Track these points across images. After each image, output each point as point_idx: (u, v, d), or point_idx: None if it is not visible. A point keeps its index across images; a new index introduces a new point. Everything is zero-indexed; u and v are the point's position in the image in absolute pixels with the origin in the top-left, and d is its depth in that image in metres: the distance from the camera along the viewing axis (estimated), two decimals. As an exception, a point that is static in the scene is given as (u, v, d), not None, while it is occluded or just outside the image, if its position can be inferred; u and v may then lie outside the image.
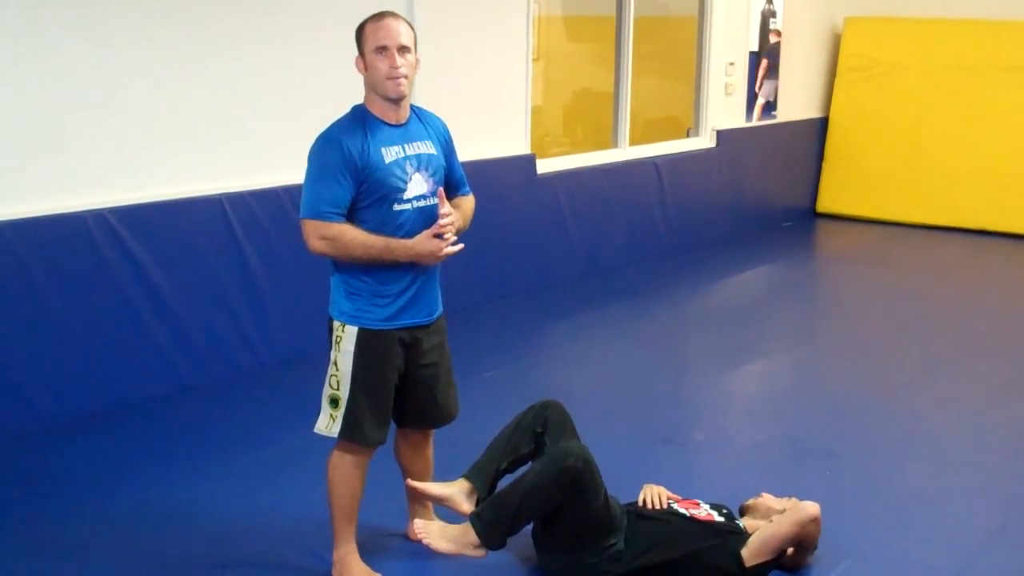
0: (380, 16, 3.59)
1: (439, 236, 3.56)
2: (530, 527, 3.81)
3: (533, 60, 7.84)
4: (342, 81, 6.07)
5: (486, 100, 7.34)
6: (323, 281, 5.90)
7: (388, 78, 3.53)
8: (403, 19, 3.61)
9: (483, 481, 3.81)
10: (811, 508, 3.80)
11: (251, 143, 5.94)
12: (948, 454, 5.13)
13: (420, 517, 4.04)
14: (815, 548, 3.91)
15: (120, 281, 5.35)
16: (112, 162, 5.36)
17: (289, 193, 6.02)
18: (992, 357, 6.68)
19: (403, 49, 3.54)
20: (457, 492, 3.78)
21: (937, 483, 4.78)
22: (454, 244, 3.60)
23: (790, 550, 3.84)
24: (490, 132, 7.36)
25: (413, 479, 4.00)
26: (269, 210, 5.98)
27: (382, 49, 3.53)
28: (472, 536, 3.64)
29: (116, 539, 4.09)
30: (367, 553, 3.84)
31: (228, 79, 5.79)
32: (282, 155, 6.05)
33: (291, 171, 5.99)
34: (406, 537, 4.09)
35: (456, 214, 3.65)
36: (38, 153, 5.08)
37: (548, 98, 9.30)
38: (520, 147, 7.76)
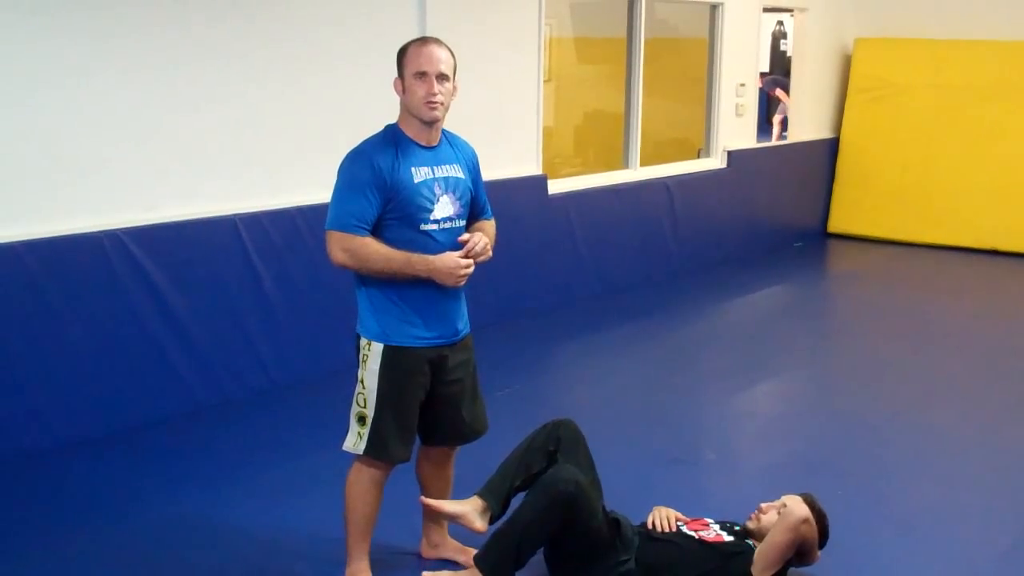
0: (424, 41, 3.65)
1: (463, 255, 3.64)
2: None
3: (544, 81, 7.87)
4: (357, 104, 6.15)
5: (498, 121, 7.37)
6: (336, 302, 5.96)
7: (424, 103, 3.59)
8: (445, 46, 3.66)
9: (497, 499, 3.83)
10: (799, 510, 3.75)
11: (265, 165, 5.98)
12: (960, 473, 5.13)
13: (434, 535, 4.08)
14: (822, 544, 3.89)
15: (134, 301, 5.39)
16: (127, 183, 5.40)
17: (303, 214, 6.06)
18: (1003, 376, 6.68)
19: (442, 77, 3.60)
20: (471, 510, 3.80)
21: (949, 502, 4.78)
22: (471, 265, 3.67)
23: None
24: (502, 153, 7.39)
25: (431, 497, 4.04)
26: (283, 231, 6.01)
27: (421, 75, 3.58)
28: None
29: (129, 557, 4.11)
30: (379, 571, 3.85)
31: (242, 102, 5.83)
32: (295, 177, 6.09)
33: (304, 192, 6.08)
34: (418, 556, 4.10)
35: (485, 238, 3.71)
36: (54, 174, 5.12)
37: (559, 119, 9.35)
38: (531, 168, 7.79)
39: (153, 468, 4.98)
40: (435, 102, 3.59)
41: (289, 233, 6.04)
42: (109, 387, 5.32)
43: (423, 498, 3.93)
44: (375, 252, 3.56)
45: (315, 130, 6.13)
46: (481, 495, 3.89)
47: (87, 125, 5.21)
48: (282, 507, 4.55)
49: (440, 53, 3.62)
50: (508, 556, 3.63)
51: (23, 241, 4.99)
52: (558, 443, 3.95)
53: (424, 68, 3.58)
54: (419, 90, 3.58)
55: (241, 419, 5.62)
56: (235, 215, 5.82)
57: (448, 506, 3.87)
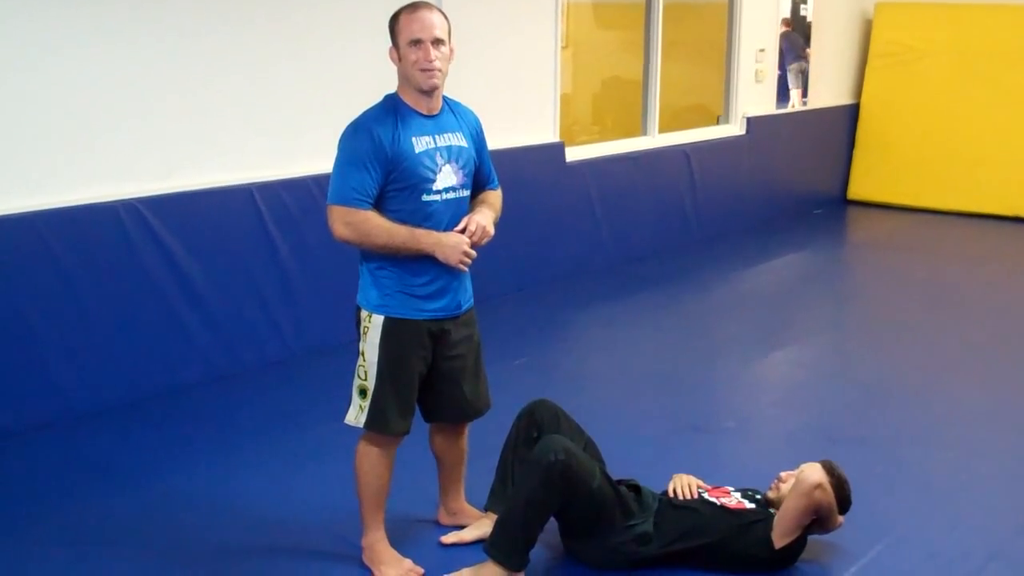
0: (414, 7, 3.58)
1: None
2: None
3: (562, 48, 7.82)
4: (370, 70, 6.09)
5: (515, 88, 7.33)
6: (352, 270, 5.94)
7: (421, 70, 3.53)
8: (437, 9, 3.60)
9: (505, 505, 3.82)
10: (811, 476, 3.72)
11: (280, 133, 5.97)
12: (980, 441, 5.10)
13: (451, 502, 4.10)
14: (844, 510, 3.87)
15: (151, 270, 5.39)
16: (143, 152, 5.39)
17: (318, 182, 6.03)
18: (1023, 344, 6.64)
19: (437, 42, 3.54)
20: (489, 529, 3.78)
21: (969, 470, 4.76)
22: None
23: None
24: (519, 120, 7.36)
25: (446, 470, 4.07)
26: (298, 199, 6.00)
27: (416, 42, 3.52)
28: (499, 568, 3.63)
29: (148, 526, 4.12)
30: (396, 539, 3.86)
31: (257, 69, 5.81)
32: (311, 144, 6.07)
33: (320, 160, 6.04)
34: (436, 523, 4.11)
35: (482, 221, 3.65)
36: (69, 144, 5.11)
37: (577, 86, 9.29)
38: (549, 135, 7.75)
39: (170, 438, 4.99)
40: (432, 69, 3.52)
41: (305, 202, 6.02)
42: (126, 356, 5.33)
43: (442, 539, 3.97)
44: (377, 226, 3.52)
45: (330, 98, 6.10)
46: (490, 508, 3.97)
47: (102, 94, 5.19)
48: (300, 476, 4.56)
49: (432, 17, 3.55)
50: (517, 540, 3.61)
51: (39, 211, 4.98)
52: (540, 427, 3.94)
53: (417, 35, 3.51)
54: (414, 58, 3.51)
55: (258, 388, 5.62)
56: (251, 184, 5.80)
57: (468, 535, 3.95)
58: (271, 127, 5.92)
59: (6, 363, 4.91)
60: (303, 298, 6.07)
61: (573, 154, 7.95)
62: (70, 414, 5.10)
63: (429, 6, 3.59)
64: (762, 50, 9.77)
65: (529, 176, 7.21)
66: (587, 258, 8.07)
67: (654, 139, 8.83)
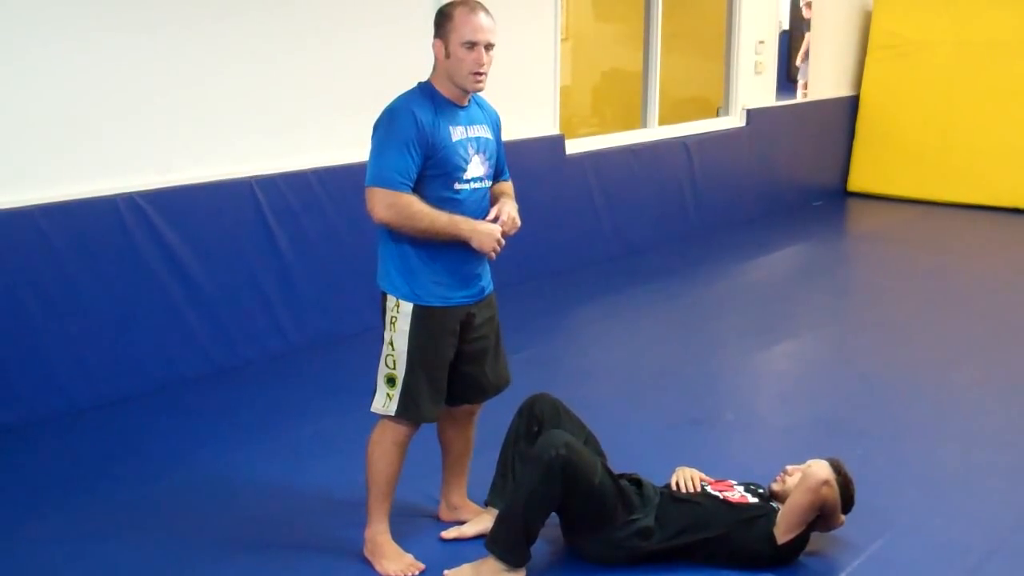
0: (472, 8, 3.59)
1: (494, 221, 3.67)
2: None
3: (562, 40, 7.80)
4: (373, 65, 6.10)
5: (515, 81, 7.30)
6: (353, 264, 5.95)
7: (471, 73, 3.58)
8: (488, 11, 3.63)
9: (505, 500, 3.82)
10: (819, 472, 3.72)
11: (280, 126, 5.94)
12: (980, 434, 5.10)
13: (453, 497, 4.10)
14: (847, 509, 3.87)
15: (151, 265, 5.37)
16: (142, 146, 5.37)
17: (319, 176, 6.03)
18: (1026, 336, 6.63)
19: (489, 46, 3.59)
20: (490, 524, 3.78)
21: (969, 463, 4.75)
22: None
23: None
24: (519, 113, 7.32)
25: (451, 461, 4.08)
26: (299, 193, 5.98)
27: (472, 45, 3.55)
28: (500, 563, 3.62)
29: (145, 520, 4.11)
30: (397, 533, 3.84)
31: (257, 62, 5.79)
32: (311, 139, 6.05)
33: (320, 154, 6.05)
34: (437, 518, 4.10)
35: (511, 211, 3.71)
36: (68, 137, 5.10)
37: (577, 78, 9.27)
38: (549, 127, 7.74)
39: (170, 431, 4.98)
40: (483, 72, 3.59)
41: (305, 195, 6.01)
42: (125, 350, 5.32)
43: (443, 534, 3.97)
44: (420, 210, 3.53)
45: (331, 92, 6.08)
46: (491, 503, 3.96)
47: (101, 87, 5.18)
48: (300, 470, 4.55)
49: (488, 22, 3.59)
50: (518, 536, 3.60)
51: (38, 205, 4.97)
52: (540, 421, 3.94)
53: (475, 38, 3.55)
54: (467, 59, 3.56)
55: (258, 382, 5.61)
56: (251, 177, 5.79)
57: (469, 529, 3.95)
58: (271, 120, 5.90)
59: (5, 358, 4.90)
60: (303, 292, 6.06)
61: (573, 146, 7.93)
62: (68, 408, 5.09)
63: (485, 8, 3.62)
64: (762, 42, 9.75)
65: (529, 168, 7.18)
66: (587, 251, 8.06)
67: (654, 131, 8.81)
